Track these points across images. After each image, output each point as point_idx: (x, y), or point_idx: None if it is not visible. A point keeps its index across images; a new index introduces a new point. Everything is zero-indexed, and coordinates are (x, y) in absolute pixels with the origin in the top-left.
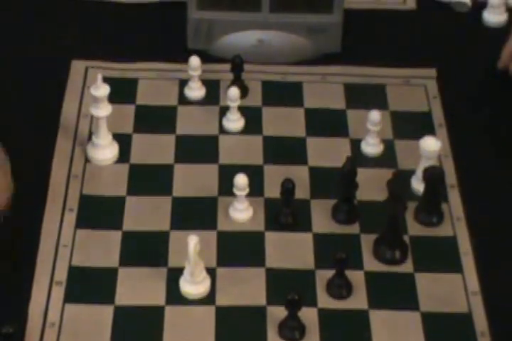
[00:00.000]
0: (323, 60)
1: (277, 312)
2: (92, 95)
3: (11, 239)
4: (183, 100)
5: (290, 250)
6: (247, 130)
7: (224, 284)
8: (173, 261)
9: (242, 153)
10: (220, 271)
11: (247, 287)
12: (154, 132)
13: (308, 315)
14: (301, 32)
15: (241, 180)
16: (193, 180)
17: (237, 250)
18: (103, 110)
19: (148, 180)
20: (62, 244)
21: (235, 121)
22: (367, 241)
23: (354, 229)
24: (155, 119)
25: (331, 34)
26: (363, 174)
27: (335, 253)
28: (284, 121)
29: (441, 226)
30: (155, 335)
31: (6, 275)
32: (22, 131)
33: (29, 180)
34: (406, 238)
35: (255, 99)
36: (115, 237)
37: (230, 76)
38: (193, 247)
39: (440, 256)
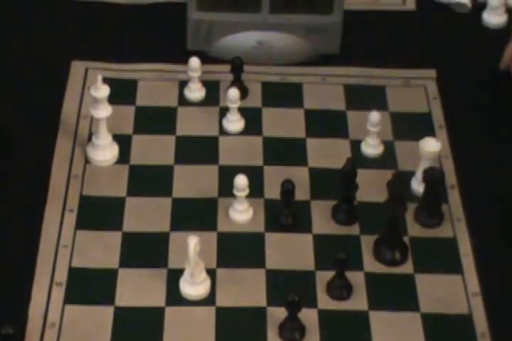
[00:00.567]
0: (323, 60)
1: (277, 313)
2: (92, 96)
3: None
4: (183, 101)
5: (290, 251)
6: (246, 131)
7: (224, 285)
8: (173, 262)
9: (242, 154)
10: (220, 272)
11: (247, 288)
12: (154, 133)
13: (309, 316)
14: (301, 33)
15: (241, 181)
16: (193, 180)
17: (237, 251)
18: (103, 111)
19: (149, 180)
20: (62, 245)
21: (234, 122)
22: (367, 242)
23: (354, 229)
24: (155, 120)
25: (330, 35)
26: (362, 175)
27: (335, 254)
28: (284, 122)
29: (441, 227)
30: (155, 336)
31: (6, 276)
32: (22, 132)
33: (29, 181)
34: (406, 239)
35: (255, 100)
36: (115, 238)
37: (230, 77)
38: (193, 248)
39: (440, 257)
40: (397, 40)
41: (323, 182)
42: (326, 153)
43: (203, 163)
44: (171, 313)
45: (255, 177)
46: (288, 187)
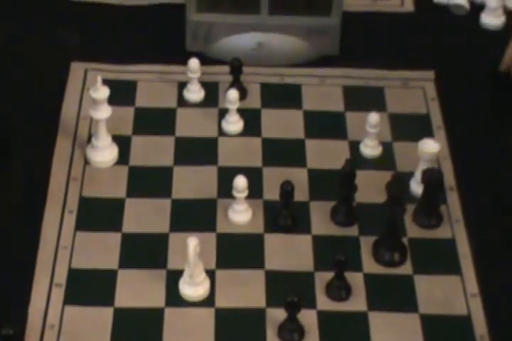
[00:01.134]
0: (322, 62)
1: (276, 314)
2: (91, 97)
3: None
4: (182, 102)
5: (289, 252)
6: (246, 132)
7: (223, 286)
8: (172, 263)
9: (241, 155)
10: (220, 273)
11: (246, 289)
12: (153, 134)
13: (308, 317)
14: (300, 34)
15: (240, 182)
16: (192, 182)
17: (237, 252)
18: (102, 112)
19: (148, 182)
20: (62, 246)
21: (234, 123)
22: (366, 243)
23: (353, 231)
24: (154, 121)
25: (329, 36)
26: (361, 176)
27: (334, 255)
28: (283, 123)
29: (440, 228)
30: (154, 337)
31: (6, 277)
32: (22, 133)
33: (29, 182)
34: (405, 240)
35: (254, 101)
36: (115, 239)
37: (229, 78)
38: (192, 249)
39: (439, 258)
40: (396, 41)
41: (322, 183)
42: (325, 154)
43: (202, 164)
44: (171, 314)
45: (254, 179)
46: (287, 189)
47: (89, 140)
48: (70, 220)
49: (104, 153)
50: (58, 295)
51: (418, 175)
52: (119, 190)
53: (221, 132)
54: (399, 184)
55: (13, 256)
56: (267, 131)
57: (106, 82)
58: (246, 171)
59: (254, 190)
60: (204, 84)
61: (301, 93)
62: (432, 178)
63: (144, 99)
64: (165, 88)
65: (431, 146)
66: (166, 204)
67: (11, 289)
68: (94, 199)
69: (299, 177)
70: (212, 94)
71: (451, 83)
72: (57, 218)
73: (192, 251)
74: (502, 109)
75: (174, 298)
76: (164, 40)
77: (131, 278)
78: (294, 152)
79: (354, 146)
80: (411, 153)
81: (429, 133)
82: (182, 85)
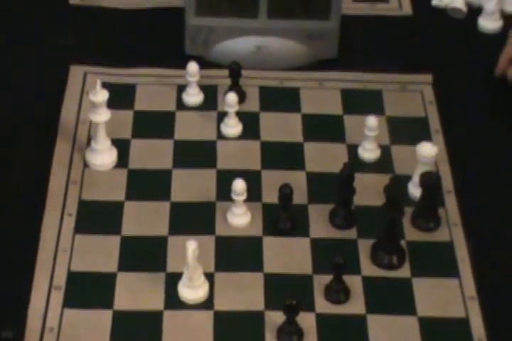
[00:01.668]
0: (321, 65)
1: (275, 317)
2: (90, 101)
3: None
4: (181, 105)
5: (288, 255)
6: (244, 135)
7: (222, 289)
8: (171, 266)
9: (239, 158)
10: (219, 276)
11: (245, 292)
12: (153, 137)
13: (306, 320)
14: (299, 38)
15: (239, 185)
16: (191, 185)
17: (236, 255)
18: (102, 115)
19: (147, 185)
20: (61, 249)
21: (232, 127)
22: (364, 246)
23: (352, 234)
24: (153, 125)
25: (328, 40)
26: (360, 179)
27: (332, 258)
28: (282, 127)
29: (438, 231)
30: (153, 340)
31: (5, 280)
32: (21, 137)
33: (28, 185)
34: (403, 243)
35: (253, 104)
36: (114, 242)
37: (228, 81)
38: (191, 252)
39: (437, 261)
40: (394, 44)
41: (321, 186)
42: (324, 157)
43: (201, 167)
44: (170, 317)
45: (253, 182)
46: (286, 192)
47: (88, 143)
48: (70, 223)
49: (103, 156)
50: (57, 297)
51: (416, 179)
52: (118, 193)
53: (220, 135)
54: (397, 187)
55: (12, 259)
56: (265, 134)
57: (105, 85)
58: (245, 174)
59: (253, 193)
60: (203, 88)
61: (300, 96)
62: (430, 181)
63: (143, 102)
64: (164, 91)
65: (429, 149)
66: (165, 207)
67: (11, 292)
68: (93, 202)
69: (297, 180)
70: (211, 97)
71: (449, 87)
72: (56, 221)
73: (191, 254)
74: (499, 112)
75: (173, 300)
76: (163, 44)
77: (131, 281)
78: (293, 155)
79: (352, 149)
80: (409, 156)
81: (427, 137)
82: (181, 88)
